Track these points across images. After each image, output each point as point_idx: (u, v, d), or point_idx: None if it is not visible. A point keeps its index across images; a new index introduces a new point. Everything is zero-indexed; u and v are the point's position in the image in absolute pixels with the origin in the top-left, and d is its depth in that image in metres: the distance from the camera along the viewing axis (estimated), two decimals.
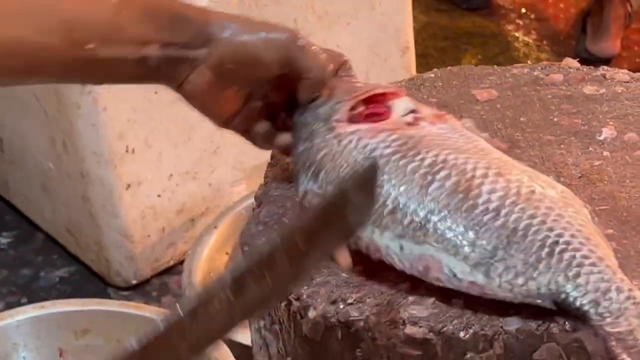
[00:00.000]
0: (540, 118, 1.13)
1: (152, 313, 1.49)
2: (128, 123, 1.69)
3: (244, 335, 1.10)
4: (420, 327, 0.91)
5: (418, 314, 0.92)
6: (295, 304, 0.96)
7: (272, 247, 0.84)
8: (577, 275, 0.89)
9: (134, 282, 1.72)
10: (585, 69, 1.20)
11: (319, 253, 0.88)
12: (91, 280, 1.74)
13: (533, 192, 0.93)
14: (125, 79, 1.01)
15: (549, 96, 1.16)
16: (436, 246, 0.92)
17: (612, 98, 1.15)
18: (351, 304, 0.94)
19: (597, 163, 1.07)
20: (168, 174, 1.78)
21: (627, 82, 1.18)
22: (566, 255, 0.90)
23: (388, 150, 0.97)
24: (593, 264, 0.90)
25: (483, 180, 0.93)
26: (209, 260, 1.65)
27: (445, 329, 0.91)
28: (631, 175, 1.05)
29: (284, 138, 1.05)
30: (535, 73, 1.20)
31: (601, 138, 1.10)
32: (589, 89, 1.17)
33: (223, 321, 0.83)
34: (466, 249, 0.91)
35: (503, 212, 0.92)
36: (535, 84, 1.19)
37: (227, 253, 1.66)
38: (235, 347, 1.46)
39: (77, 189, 1.69)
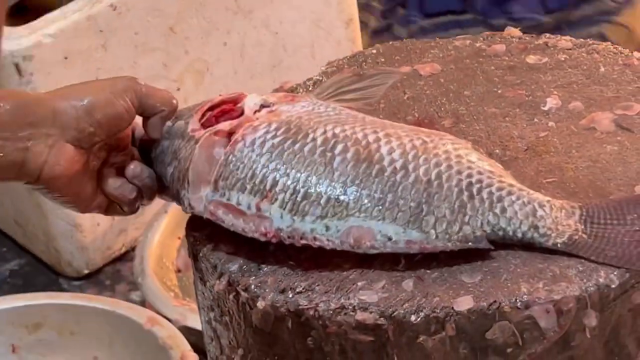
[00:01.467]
0: (484, 91, 1.12)
1: (104, 304, 1.47)
2: None
3: (200, 322, 1.09)
4: (371, 312, 0.90)
5: (368, 300, 0.91)
6: (244, 294, 0.95)
7: None
8: (504, 209, 0.93)
9: (86, 271, 1.68)
10: (527, 38, 1.19)
11: None
12: (42, 272, 1.72)
13: (425, 141, 0.96)
14: None
15: (492, 68, 1.15)
16: (361, 216, 0.93)
17: (555, 67, 1.14)
18: (300, 292, 0.93)
19: (542, 134, 1.06)
20: None
21: (570, 49, 1.16)
22: (485, 194, 0.93)
23: (277, 139, 0.97)
24: (510, 193, 0.94)
25: (378, 143, 0.95)
26: (161, 245, 1.63)
27: (396, 313, 0.90)
28: (577, 145, 1.04)
29: (148, 174, 1.02)
30: (478, 44, 1.19)
31: (546, 108, 1.09)
32: (532, 59, 1.15)
33: None
34: (392, 211, 0.92)
35: (411, 166, 0.94)
36: (477, 55, 1.17)
37: (178, 238, 1.63)
38: (191, 333, 1.44)
39: None
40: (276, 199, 0.94)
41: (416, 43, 1.21)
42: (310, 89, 1.16)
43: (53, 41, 1.54)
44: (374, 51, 1.21)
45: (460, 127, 1.08)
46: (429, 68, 1.16)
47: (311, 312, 0.92)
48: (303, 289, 0.93)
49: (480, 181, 0.94)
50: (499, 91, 1.12)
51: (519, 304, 0.89)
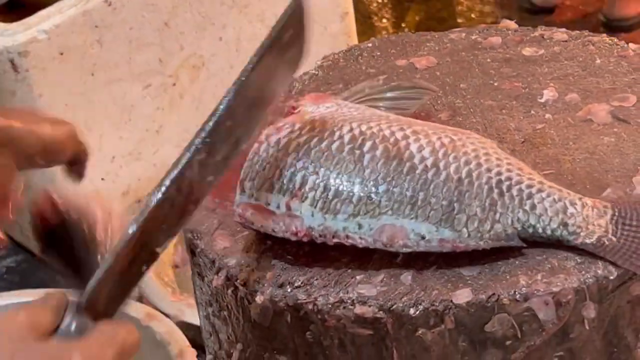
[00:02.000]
0: (481, 83, 1.12)
1: None
2: (66, 107, 1.66)
3: (197, 317, 1.09)
4: (370, 306, 0.90)
5: (367, 293, 0.91)
6: (242, 289, 0.95)
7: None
8: (534, 206, 0.92)
9: None
10: (523, 30, 1.19)
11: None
12: (39, 269, 1.72)
13: (453, 139, 0.95)
14: None
15: (488, 60, 1.15)
16: (394, 214, 0.92)
17: (551, 59, 1.14)
18: (298, 286, 0.93)
19: (539, 126, 1.06)
20: (110, 156, 1.75)
21: (566, 41, 1.16)
22: (515, 191, 0.93)
23: (303, 138, 0.96)
24: (540, 190, 0.93)
25: (407, 141, 0.95)
26: None
27: (394, 306, 0.90)
28: (574, 137, 1.04)
29: None
30: (473, 37, 1.19)
31: (542, 100, 1.09)
32: (527, 51, 1.15)
33: None
34: (424, 210, 0.92)
35: (441, 165, 0.93)
36: (473, 48, 1.17)
37: None
38: (189, 328, 1.44)
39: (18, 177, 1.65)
40: (306, 197, 0.94)
41: (412, 36, 1.21)
42: (306, 82, 1.16)
43: (48, 37, 1.54)
44: (370, 45, 1.21)
45: (457, 120, 1.08)
46: (424, 61, 1.16)
47: (310, 306, 0.92)
48: (301, 283, 0.93)
49: (509, 178, 0.93)
50: (495, 84, 1.12)
51: (517, 297, 0.89)
